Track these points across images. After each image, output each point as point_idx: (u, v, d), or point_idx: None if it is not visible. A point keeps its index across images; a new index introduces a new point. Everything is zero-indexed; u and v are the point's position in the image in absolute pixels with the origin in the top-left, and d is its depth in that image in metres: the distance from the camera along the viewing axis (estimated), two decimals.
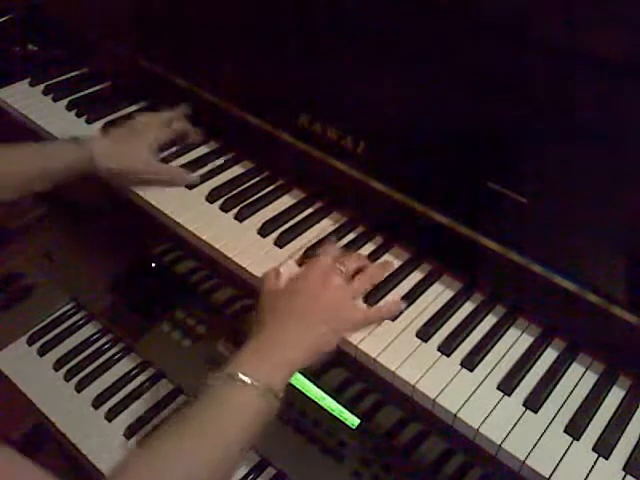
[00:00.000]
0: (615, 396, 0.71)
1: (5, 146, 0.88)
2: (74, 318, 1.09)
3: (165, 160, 0.98)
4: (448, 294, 0.81)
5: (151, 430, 0.94)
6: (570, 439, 0.67)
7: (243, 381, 0.63)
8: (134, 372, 1.01)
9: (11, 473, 0.48)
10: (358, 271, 0.78)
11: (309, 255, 0.83)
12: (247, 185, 0.95)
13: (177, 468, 0.58)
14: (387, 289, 0.80)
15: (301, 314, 0.70)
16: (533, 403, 0.69)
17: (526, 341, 0.76)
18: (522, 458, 0.64)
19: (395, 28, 0.84)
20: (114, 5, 1.11)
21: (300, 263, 0.83)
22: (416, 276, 0.83)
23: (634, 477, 0.64)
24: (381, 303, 0.78)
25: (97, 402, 0.97)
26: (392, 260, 0.84)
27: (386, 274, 0.81)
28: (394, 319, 0.77)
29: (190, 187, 0.94)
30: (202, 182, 0.95)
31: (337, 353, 0.76)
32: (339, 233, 0.88)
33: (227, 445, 0.61)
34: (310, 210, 0.92)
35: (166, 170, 0.95)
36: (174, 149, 1.00)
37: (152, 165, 0.94)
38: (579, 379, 0.73)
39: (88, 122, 1.07)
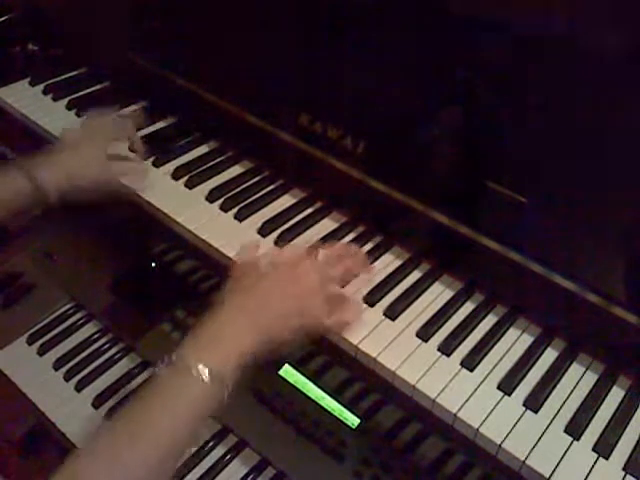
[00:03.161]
0: (615, 396, 0.71)
1: None
2: (74, 318, 1.09)
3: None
4: (448, 294, 0.81)
5: None
6: (570, 439, 0.67)
7: (185, 366, 0.62)
8: (134, 372, 1.01)
9: None
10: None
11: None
12: (247, 185, 0.95)
13: (117, 468, 0.57)
14: (387, 289, 0.80)
15: (260, 303, 0.67)
16: (533, 403, 0.69)
17: (526, 341, 0.76)
18: (522, 458, 0.64)
19: (395, 28, 0.84)
20: (114, 5, 1.11)
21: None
22: (416, 275, 0.83)
23: (634, 477, 0.64)
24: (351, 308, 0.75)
25: (97, 402, 0.97)
26: (392, 259, 0.84)
27: (367, 273, 0.78)
28: (394, 319, 0.77)
29: (190, 186, 0.94)
30: (202, 182, 0.95)
31: (337, 353, 0.76)
32: (339, 233, 0.88)
33: (173, 433, 0.60)
34: (310, 210, 0.92)
35: (125, 169, 0.92)
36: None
37: (110, 170, 0.90)
38: (579, 379, 0.73)
39: None
